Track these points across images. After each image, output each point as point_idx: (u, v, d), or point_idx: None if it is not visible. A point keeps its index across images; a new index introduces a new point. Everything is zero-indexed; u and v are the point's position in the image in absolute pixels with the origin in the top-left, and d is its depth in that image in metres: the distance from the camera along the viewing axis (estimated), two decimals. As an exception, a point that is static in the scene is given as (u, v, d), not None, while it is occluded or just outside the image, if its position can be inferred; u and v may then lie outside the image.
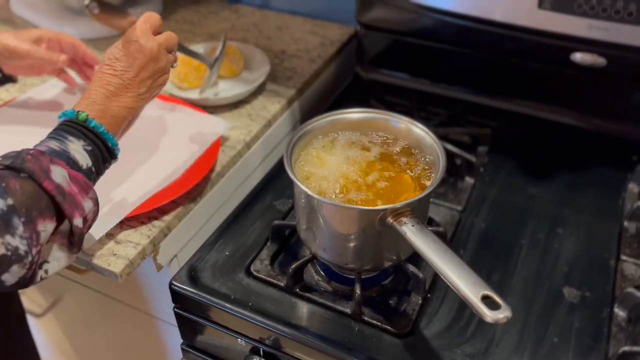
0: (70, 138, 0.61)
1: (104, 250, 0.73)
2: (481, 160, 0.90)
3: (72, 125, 0.62)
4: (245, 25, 1.21)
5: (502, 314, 0.50)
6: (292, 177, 0.64)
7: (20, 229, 0.52)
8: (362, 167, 0.70)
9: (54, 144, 0.59)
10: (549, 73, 0.93)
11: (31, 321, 1.12)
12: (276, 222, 0.76)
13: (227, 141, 0.91)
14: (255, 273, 0.73)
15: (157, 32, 0.72)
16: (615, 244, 0.77)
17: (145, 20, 0.71)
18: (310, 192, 0.63)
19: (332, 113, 0.73)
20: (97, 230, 0.72)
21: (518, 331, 0.66)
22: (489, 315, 0.51)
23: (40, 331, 1.21)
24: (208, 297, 0.70)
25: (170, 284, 0.72)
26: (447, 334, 0.66)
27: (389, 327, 0.67)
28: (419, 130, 0.72)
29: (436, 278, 0.73)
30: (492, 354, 0.64)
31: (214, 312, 0.70)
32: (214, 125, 0.89)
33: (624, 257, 0.75)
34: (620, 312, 0.68)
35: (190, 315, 0.73)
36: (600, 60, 0.86)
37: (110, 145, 0.64)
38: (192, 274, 0.72)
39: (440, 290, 0.71)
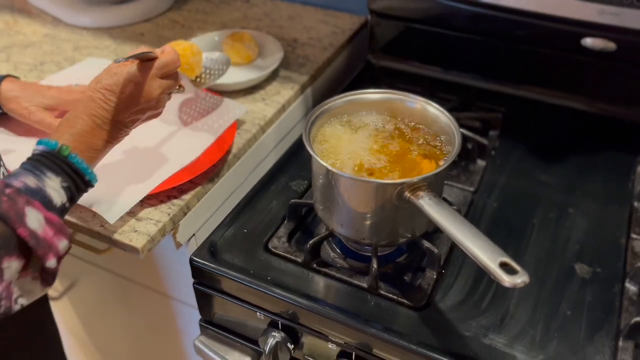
0: (49, 174, 0.58)
1: (125, 227, 0.75)
2: (493, 143, 0.92)
3: (53, 160, 0.59)
4: (257, 14, 1.23)
5: (520, 279, 0.52)
6: (310, 151, 0.66)
7: None
8: (378, 145, 0.71)
9: (31, 180, 0.57)
10: (559, 59, 0.94)
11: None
12: (293, 200, 0.78)
13: (243, 125, 0.92)
14: (273, 249, 0.75)
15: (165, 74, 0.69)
16: (626, 224, 0.79)
17: (162, 66, 0.68)
18: (328, 166, 0.64)
19: (349, 93, 0.75)
20: (119, 209, 0.74)
21: (532, 305, 0.68)
22: (507, 280, 0.52)
23: (55, 315, 1.23)
24: (228, 271, 0.71)
25: (191, 259, 0.73)
26: (462, 307, 0.68)
27: (404, 301, 0.68)
28: (434, 110, 0.73)
29: (450, 254, 0.74)
30: (506, 325, 0.66)
31: (233, 286, 0.72)
32: (231, 109, 0.91)
33: (634, 236, 0.77)
34: (631, 287, 0.70)
35: (209, 290, 0.75)
36: (610, 45, 0.88)
37: (87, 178, 0.62)
38: (211, 249, 0.74)
39: (455, 266, 0.73)
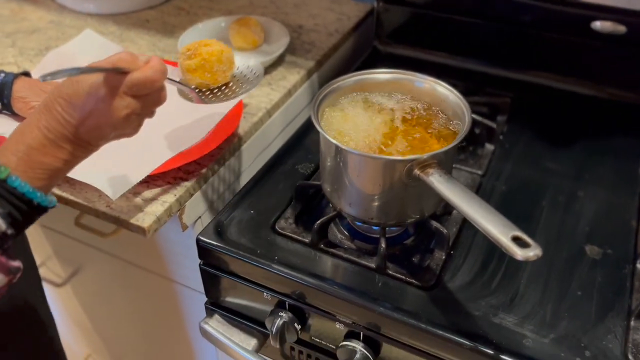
0: None
1: (131, 207, 0.75)
2: (501, 128, 0.91)
3: None
4: (262, 1, 1.22)
5: (532, 252, 0.51)
6: (318, 128, 0.65)
7: None
8: (387, 124, 0.71)
9: None
10: (568, 43, 0.93)
11: (50, 292, 1.13)
12: (300, 182, 0.77)
13: (249, 108, 0.92)
14: (280, 230, 0.74)
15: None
16: (636, 206, 0.78)
17: (133, 84, 0.55)
18: (337, 143, 0.64)
19: (358, 72, 0.74)
20: (122, 186, 0.73)
21: (541, 285, 0.67)
22: (519, 253, 0.51)
23: (57, 302, 1.23)
24: (235, 251, 0.71)
25: (198, 239, 0.73)
26: (471, 287, 0.67)
27: (413, 280, 0.68)
28: (443, 89, 0.73)
29: (459, 236, 0.74)
30: (516, 305, 0.65)
31: (240, 266, 0.71)
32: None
33: (644, 218, 0.76)
34: (642, 268, 0.69)
35: (216, 271, 0.74)
36: (620, 28, 0.87)
37: (35, 203, 0.53)
38: (218, 229, 0.73)
39: (463, 248, 0.72)
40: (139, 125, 0.59)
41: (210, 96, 0.74)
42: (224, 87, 0.75)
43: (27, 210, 0.53)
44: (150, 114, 0.60)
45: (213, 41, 0.76)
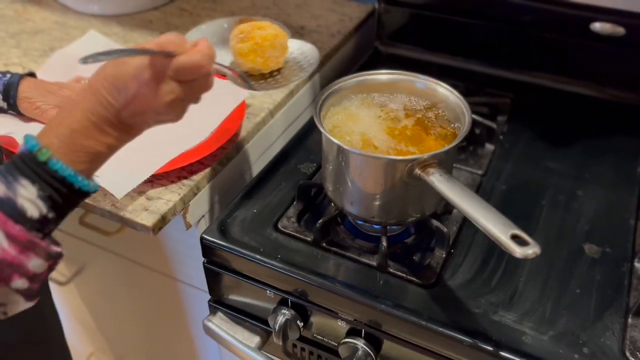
0: (23, 182, 0.49)
1: (136, 205, 0.76)
2: (501, 128, 0.92)
3: (29, 165, 0.49)
4: (265, 3, 1.23)
5: (531, 250, 0.52)
6: (321, 128, 0.66)
7: None
8: (388, 125, 0.72)
9: (1, 189, 0.49)
10: (567, 44, 0.94)
11: (54, 290, 1.14)
12: (302, 181, 0.78)
13: (252, 109, 0.93)
14: (283, 229, 0.75)
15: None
16: (635, 205, 0.79)
17: (178, 69, 0.52)
18: (339, 142, 0.65)
19: (360, 73, 0.75)
20: (126, 185, 0.74)
21: (541, 283, 0.68)
22: (518, 251, 0.52)
23: (61, 301, 1.24)
24: (238, 249, 0.72)
25: (202, 238, 0.74)
26: (471, 285, 0.68)
27: (414, 279, 0.69)
28: (444, 90, 0.74)
29: (459, 234, 0.75)
30: (516, 303, 0.66)
31: (243, 264, 0.72)
32: (236, 91, 0.91)
33: (643, 217, 0.77)
34: (640, 266, 0.70)
35: (219, 269, 0.75)
36: (619, 30, 0.88)
37: (76, 187, 0.51)
38: (222, 228, 0.74)
39: (463, 246, 0.73)
40: (183, 111, 0.56)
41: (261, 82, 0.71)
42: (275, 73, 0.72)
43: (68, 194, 0.51)
44: (196, 100, 0.57)
45: (267, 24, 0.71)
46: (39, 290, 0.52)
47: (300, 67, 0.73)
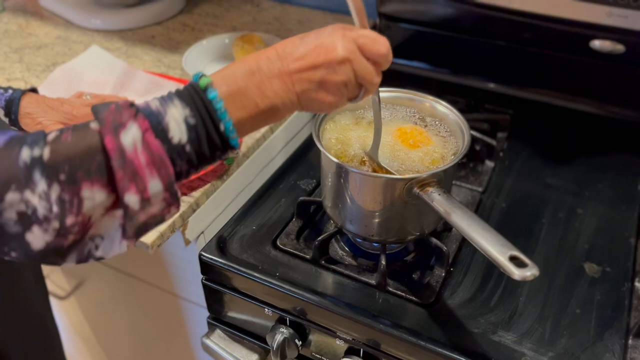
0: (176, 102, 0.49)
1: (135, 222, 0.75)
2: (501, 145, 0.92)
3: (188, 89, 0.50)
4: (266, 18, 1.24)
5: (530, 272, 0.52)
6: (319, 146, 0.66)
7: (42, 187, 0.44)
8: (388, 142, 0.72)
9: (155, 103, 0.49)
10: (567, 61, 0.94)
11: (54, 304, 1.14)
12: (302, 198, 0.78)
13: (252, 124, 0.93)
14: (281, 246, 0.75)
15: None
16: (635, 224, 0.79)
17: (373, 53, 0.55)
18: (338, 161, 0.65)
19: (358, 91, 0.75)
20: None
21: (540, 303, 0.68)
22: (516, 273, 0.52)
23: (61, 315, 1.23)
24: (237, 267, 0.72)
25: (200, 255, 0.74)
26: (470, 304, 0.68)
27: (413, 297, 0.68)
28: (443, 108, 0.74)
29: (458, 253, 0.74)
30: (515, 322, 0.65)
31: (242, 281, 0.72)
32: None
33: (643, 236, 0.77)
34: (641, 286, 0.70)
35: (218, 286, 0.75)
36: (618, 47, 0.88)
37: (222, 128, 0.50)
38: (220, 245, 0.74)
39: (463, 265, 0.73)
40: (340, 101, 0.55)
41: None
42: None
43: (211, 135, 0.49)
44: (356, 95, 0.56)
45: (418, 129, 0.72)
46: (137, 231, 0.49)
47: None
